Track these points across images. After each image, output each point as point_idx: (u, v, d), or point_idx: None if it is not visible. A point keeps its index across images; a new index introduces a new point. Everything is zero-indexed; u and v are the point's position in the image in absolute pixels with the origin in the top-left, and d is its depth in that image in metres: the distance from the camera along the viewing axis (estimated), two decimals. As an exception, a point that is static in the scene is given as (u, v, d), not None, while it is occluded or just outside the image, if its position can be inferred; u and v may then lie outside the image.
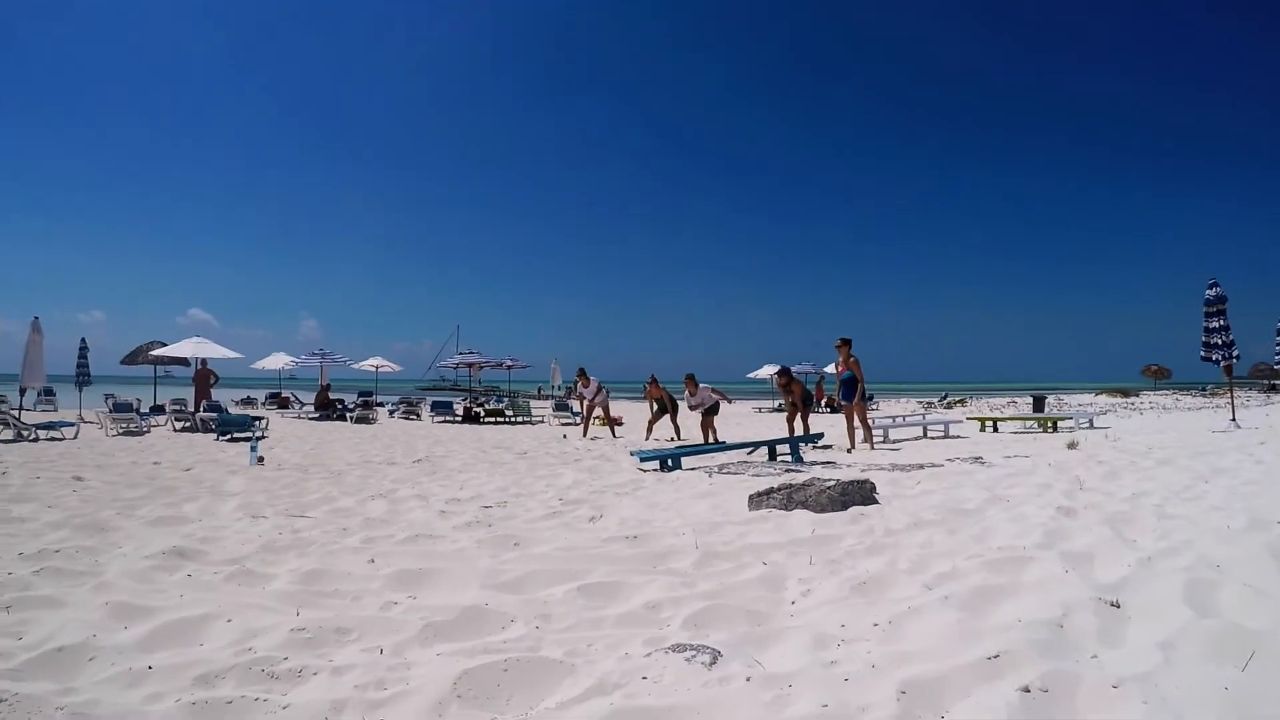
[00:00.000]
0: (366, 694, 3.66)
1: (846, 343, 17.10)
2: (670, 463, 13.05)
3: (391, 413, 36.19)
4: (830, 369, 45.07)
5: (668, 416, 22.45)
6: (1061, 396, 59.33)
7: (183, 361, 33.71)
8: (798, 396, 18.97)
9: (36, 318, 23.77)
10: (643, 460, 13.60)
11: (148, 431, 22.85)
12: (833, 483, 8.40)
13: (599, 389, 23.16)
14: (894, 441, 19.26)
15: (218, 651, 4.21)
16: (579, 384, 23.72)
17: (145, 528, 7.84)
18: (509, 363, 38.10)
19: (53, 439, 19.53)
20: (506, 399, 37.66)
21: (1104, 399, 53.42)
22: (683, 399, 22.21)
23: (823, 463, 13.58)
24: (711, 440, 19.40)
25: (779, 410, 38.63)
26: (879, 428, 19.82)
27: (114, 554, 6.58)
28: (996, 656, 3.63)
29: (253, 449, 14.78)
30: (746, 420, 32.60)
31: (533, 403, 38.15)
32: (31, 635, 4.49)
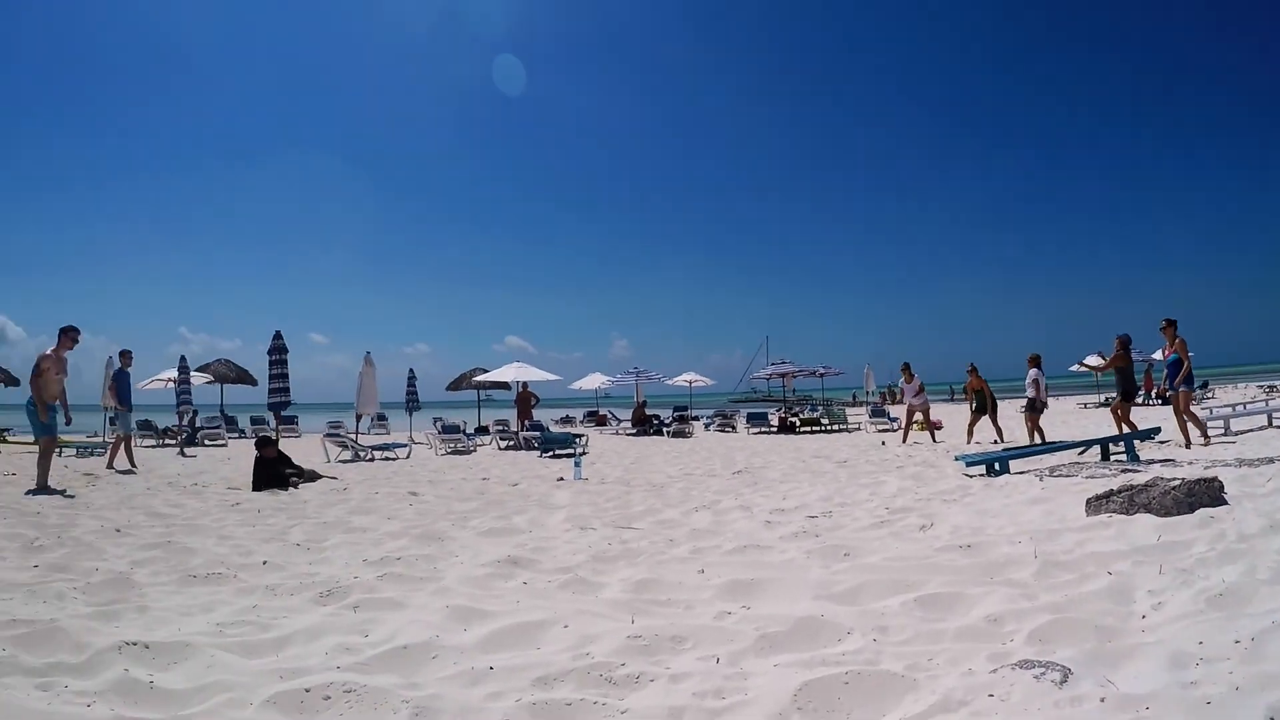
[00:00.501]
0: (705, 702, 3.60)
1: (1172, 324, 15.65)
2: (997, 466, 12.50)
3: (707, 426, 36.69)
4: (1158, 355, 42.05)
5: (987, 417, 21.46)
6: None
7: (504, 385, 35.57)
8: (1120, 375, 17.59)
9: (369, 352, 25.88)
10: (968, 465, 13.03)
11: (474, 451, 24.30)
12: (1177, 482, 7.68)
13: (920, 389, 22.34)
14: (1235, 433, 17.73)
15: (556, 655, 4.29)
16: (902, 379, 22.99)
17: (478, 538, 8.26)
18: (821, 371, 37.79)
19: (387, 459, 21.12)
20: (821, 407, 37.30)
21: None
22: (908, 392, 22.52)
23: (1161, 460, 12.53)
24: (1038, 440, 18.38)
25: (1104, 405, 36.25)
26: (1217, 418, 18.46)
27: (451, 561, 6.96)
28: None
29: (576, 464, 15.31)
30: (1072, 418, 30.70)
31: (848, 410, 37.54)
32: (377, 633, 4.78)
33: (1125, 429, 16.69)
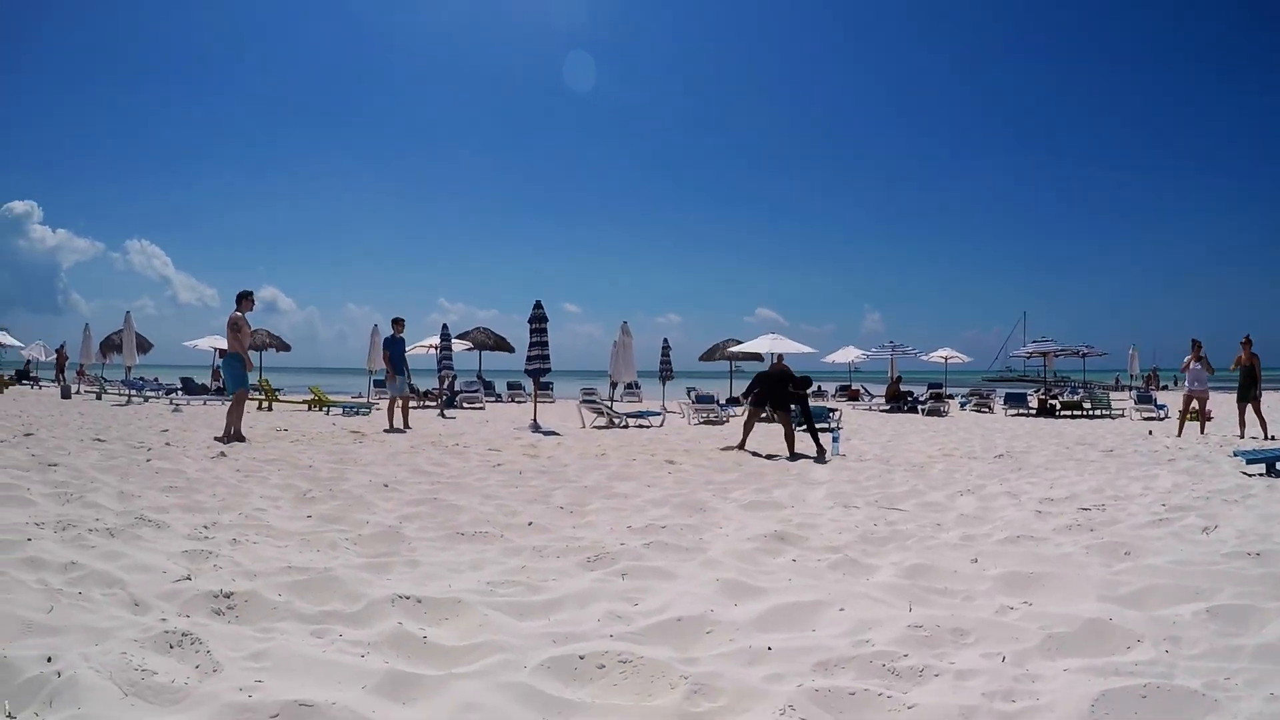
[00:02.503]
0: (994, 704, 3.37)
1: None
2: None
3: (963, 405, 35.61)
4: None
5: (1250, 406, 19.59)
6: None
7: (757, 357, 35.46)
8: None
9: (625, 322, 26.23)
10: (1248, 462, 11.99)
11: (727, 421, 24.26)
12: None
13: (1208, 372, 20.44)
14: None
15: (834, 640, 4.12)
16: (1190, 360, 20.88)
17: (741, 510, 8.16)
18: (1084, 350, 36.00)
19: (641, 426, 21.40)
20: (1082, 390, 35.45)
21: None
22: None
23: None
24: None
25: None
26: None
27: (716, 533, 6.89)
28: None
29: (835, 439, 15.01)
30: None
31: (1110, 394, 35.53)
32: (647, 603, 4.73)
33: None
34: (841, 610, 4.57)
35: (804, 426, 14.83)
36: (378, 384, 33.15)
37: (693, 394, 27.92)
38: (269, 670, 3.43)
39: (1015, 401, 33.35)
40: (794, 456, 14.01)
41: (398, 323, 19.54)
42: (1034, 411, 31.90)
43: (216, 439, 13.62)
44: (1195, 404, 20.51)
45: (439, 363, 30.22)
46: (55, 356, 46.18)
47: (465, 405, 30.22)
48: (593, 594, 4.83)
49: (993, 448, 16.67)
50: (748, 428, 15.68)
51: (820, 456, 13.85)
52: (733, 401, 30.71)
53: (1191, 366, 20.38)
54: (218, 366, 32.21)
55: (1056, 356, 38.56)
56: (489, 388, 37.65)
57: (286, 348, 38.91)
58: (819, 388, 45.81)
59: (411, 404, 19.45)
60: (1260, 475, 11.33)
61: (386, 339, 19.59)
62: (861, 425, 23.92)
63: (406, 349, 20.66)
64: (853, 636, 4.17)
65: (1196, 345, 20.32)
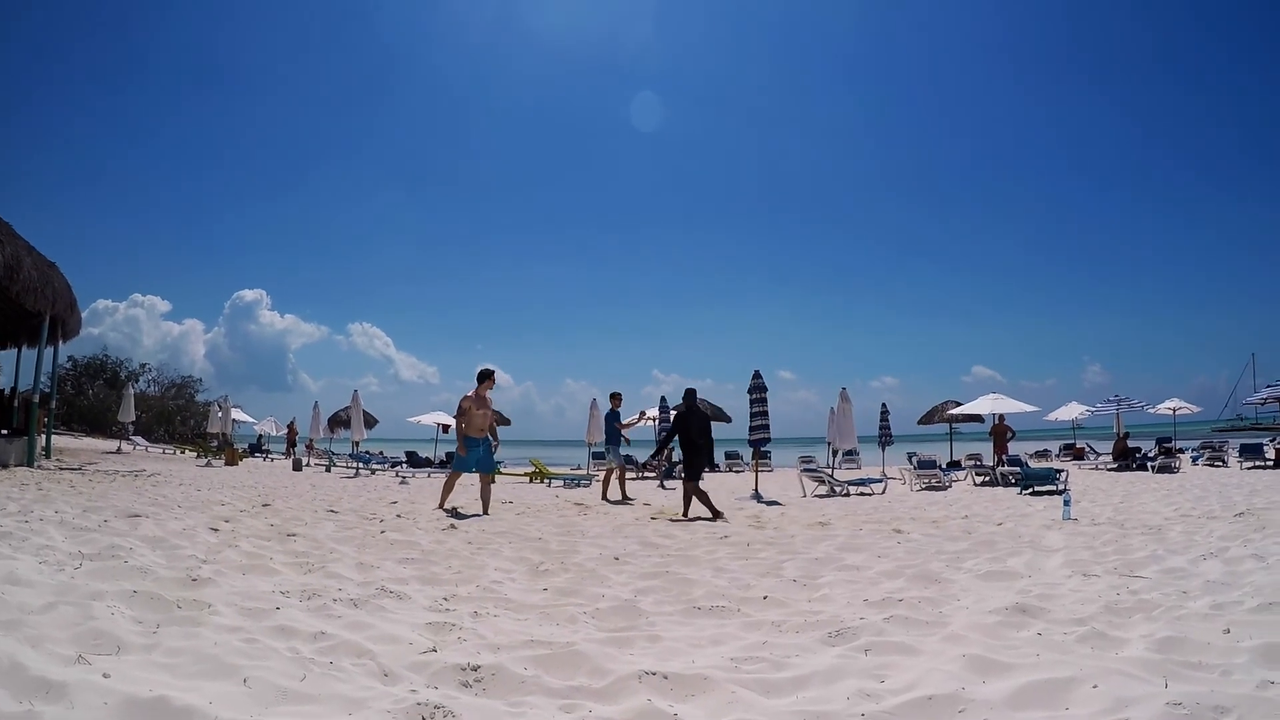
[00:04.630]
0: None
1: None
2: None
3: (1194, 459, 33.76)
4: None
5: None
6: None
7: (977, 418, 34.64)
8: None
9: (844, 388, 26.19)
10: None
11: (949, 486, 23.74)
12: None
13: None
14: None
15: (1091, 718, 4.03)
16: None
17: (977, 581, 8.00)
18: (1324, 392, 33.83)
19: (862, 494, 21.16)
20: (1327, 437, 33.16)
21: None
22: None
23: None
24: None
25: None
26: None
27: (954, 605, 6.78)
28: None
29: (1066, 503, 14.53)
30: None
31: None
32: (895, 680, 4.70)
33: None
34: (1095, 687, 4.44)
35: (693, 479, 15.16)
36: (596, 456, 33.89)
37: (914, 459, 27.43)
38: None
39: (1251, 453, 31.36)
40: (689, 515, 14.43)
41: (615, 397, 20.41)
42: (1272, 463, 29.98)
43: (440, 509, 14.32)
44: None
45: (658, 434, 30.66)
46: (286, 431, 49.06)
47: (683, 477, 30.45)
48: (838, 670, 4.83)
49: (1232, 505, 15.74)
50: (693, 497, 15.33)
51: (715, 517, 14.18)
52: (954, 466, 30.02)
53: None
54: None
55: (1292, 401, 36.39)
56: (706, 459, 37.87)
57: (506, 422, 40.19)
58: (1043, 449, 44.39)
59: (630, 475, 19.88)
60: None
61: (607, 414, 20.35)
62: (1090, 485, 22.95)
63: (623, 421, 21.28)
64: (1110, 715, 4.06)
65: None
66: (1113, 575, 8.14)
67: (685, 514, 14.87)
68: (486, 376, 15.18)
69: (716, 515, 14.47)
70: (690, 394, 16.55)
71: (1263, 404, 39.86)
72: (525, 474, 28.47)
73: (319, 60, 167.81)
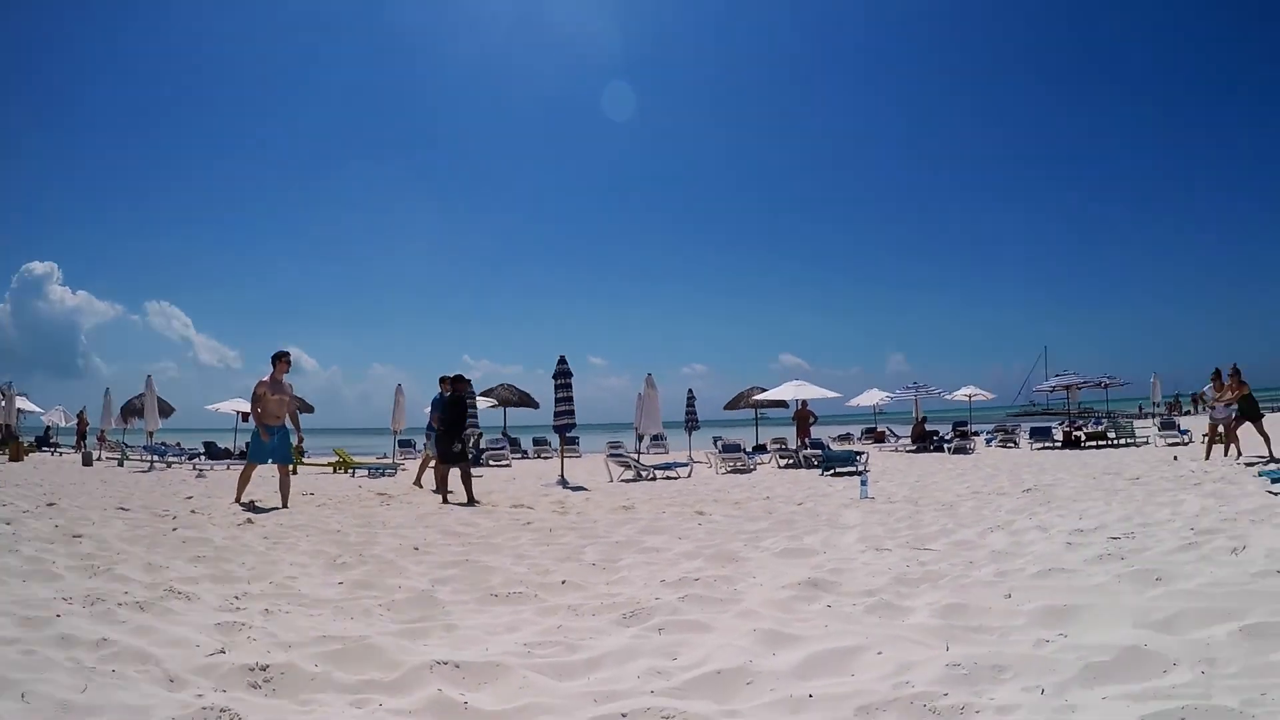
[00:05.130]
0: (1037, 737, 3.39)
1: None
2: None
3: (988, 441, 35.66)
4: None
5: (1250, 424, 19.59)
6: None
7: (781, 404, 35.49)
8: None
9: (650, 374, 26.36)
10: (1273, 481, 11.98)
11: (754, 469, 24.31)
12: None
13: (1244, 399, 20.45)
14: None
15: (874, 683, 4.12)
16: (1210, 388, 20.91)
17: (774, 559, 8.16)
18: (1106, 381, 36.09)
19: (669, 478, 21.52)
20: (1106, 420, 35.39)
21: None
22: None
23: None
24: None
25: None
26: None
27: (750, 583, 6.88)
28: None
29: (863, 483, 14.98)
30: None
31: (1135, 423, 35.45)
32: (687, 657, 4.73)
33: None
34: (880, 654, 4.58)
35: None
36: (402, 444, 33.28)
37: (719, 443, 27.88)
38: (314, 744, 3.44)
39: (1040, 435, 33.34)
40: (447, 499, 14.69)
41: (444, 381, 19.43)
42: (1059, 444, 31.93)
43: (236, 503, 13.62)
44: (1221, 429, 20.47)
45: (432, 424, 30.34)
46: (76, 422, 45.32)
47: (491, 463, 30.23)
48: (631, 651, 4.83)
49: (1020, 482, 16.68)
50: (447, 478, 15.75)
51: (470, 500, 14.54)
52: (759, 449, 30.67)
53: (1210, 392, 20.63)
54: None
55: (1079, 388, 38.57)
56: (514, 444, 37.69)
57: (309, 409, 38.92)
58: (845, 433, 45.88)
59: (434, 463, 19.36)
60: (1287, 493, 11.31)
61: (434, 400, 19.48)
62: (889, 467, 23.87)
63: (425, 408, 20.64)
64: (893, 679, 4.17)
65: (1218, 374, 20.50)
66: (904, 549, 8.46)
67: (443, 497, 14.99)
68: (280, 359, 14.26)
69: (445, 498, 14.76)
70: (444, 381, 17.15)
71: (1052, 391, 42.16)
72: (329, 464, 27.62)
73: (135, 20, 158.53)
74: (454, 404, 15.97)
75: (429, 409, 19.21)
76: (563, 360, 21.44)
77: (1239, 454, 19.95)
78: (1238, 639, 4.55)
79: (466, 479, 15.22)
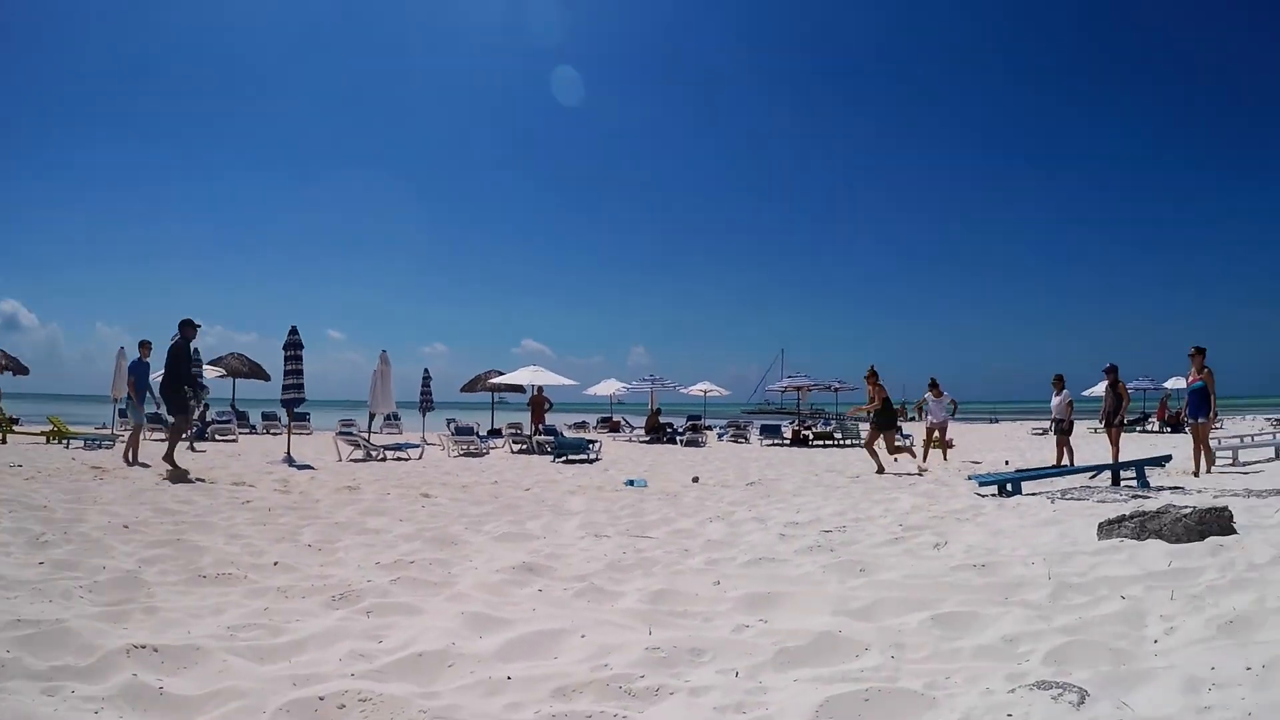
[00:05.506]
0: (725, 717, 3.60)
1: (1201, 352, 15.90)
2: (1009, 487, 12.65)
3: (720, 436, 36.85)
4: (1171, 383, 42.18)
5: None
6: None
7: (519, 388, 35.54)
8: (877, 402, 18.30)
9: (384, 351, 25.77)
10: (981, 484, 13.16)
11: (487, 453, 24.30)
12: (1188, 510, 7.76)
13: (952, 407, 22.03)
14: (1243, 464, 17.78)
15: (574, 666, 4.25)
16: (929, 395, 22.33)
17: (493, 543, 8.23)
18: (836, 385, 37.96)
19: (399, 459, 21.12)
20: (834, 421, 37.35)
21: None
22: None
23: (1170, 488, 12.78)
24: (1066, 462, 18.27)
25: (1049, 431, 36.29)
26: (1226, 448, 18.50)
27: (465, 566, 6.93)
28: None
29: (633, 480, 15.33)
30: (1082, 441, 30.31)
31: (860, 425, 37.50)
32: (391, 640, 4.74)
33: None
34: (583, 637, 4.71)
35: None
36: (123, 414, 31.41)
37: (452, 425, 27.71)
38: (-2, 735, 3.29)
39: (770, 432, 34.86)
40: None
41: (144, 345, 18.25)
42: (788, 442, 33.34)
43: None
44: (937, 433, 21.86)
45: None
46: None
47: (217, 438, 28.95)
48: (336, 633, 4.79)
49: (745, 476, 17.34)
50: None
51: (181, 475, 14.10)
52: (494, 434, 30.68)
53: (931, 400, 21.93)
54: None
55: (810, 390, 40.28)
56: (243, 418, 36.27)
57: (24, 371, 36.10)
58: (581, 420, 46.42)
59: (159, 435, 18.22)
60: (992, 495, 12.26)
61: (133, 363, 18.43)
62: (621, 456, 24.34)
63: (151, 374, 19.30)
64: (592, 661, 4.30)
65: (934, 383, 21.89)
66: (624, 536, 8.69)
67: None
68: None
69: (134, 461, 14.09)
70: (144, 345, 16.45)
71: (784, 391, 43.84)
72: (42, 433, 25.79)
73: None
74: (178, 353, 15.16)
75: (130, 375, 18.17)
76: (294, 331, 20.61)
77: (945, 457, 21.51)
78: (929, 626, 4.91)
79: (175, 435, 14.66)
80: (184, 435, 27.07)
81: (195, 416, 28.17)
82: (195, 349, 29.15)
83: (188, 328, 15.50)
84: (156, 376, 18.30)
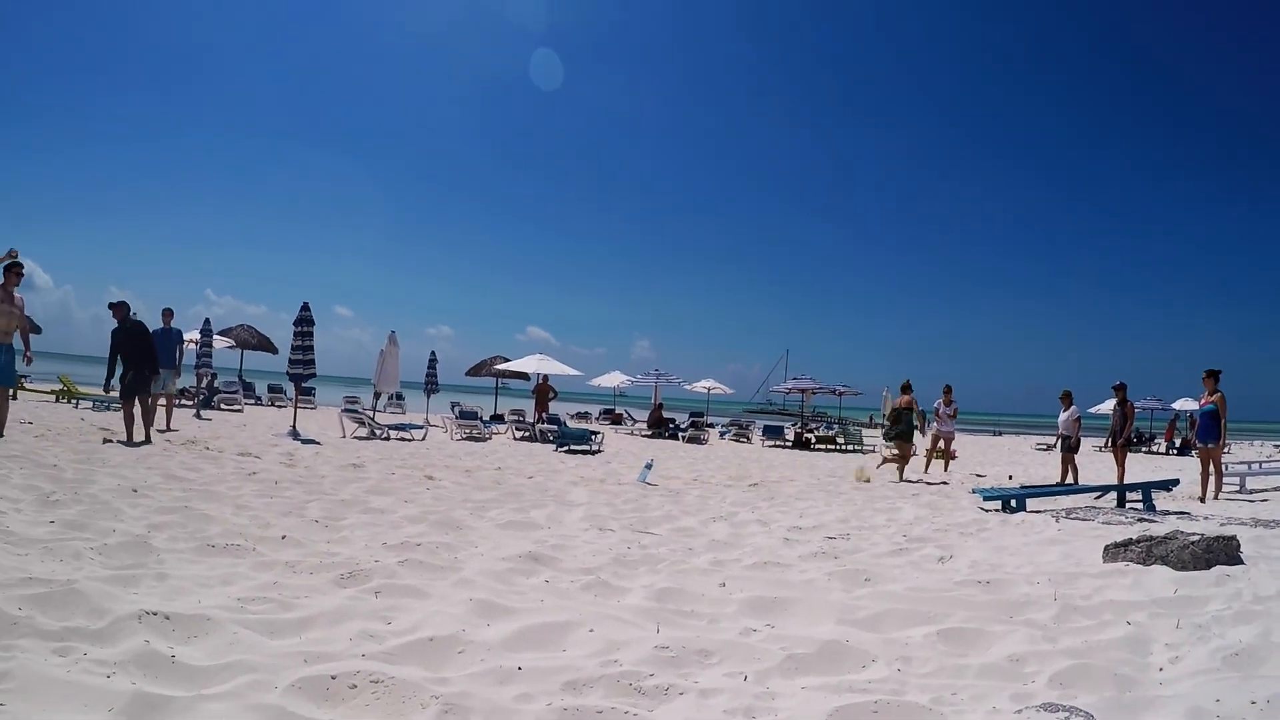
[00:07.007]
0: (735, 721, 3.57)
1: (1214, 375, 15.61)
2: (1014, 504, 12.57)
3: (722, 434, 36.66)
4: (1180, 404, 41.93)
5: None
6: None
7: (523, 376, 35.47)
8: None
9: (393, 331, 25.74)
10: (985, 499, 13.03)
11: (489, 438, 24.28)
12: (1196, 538, 7.70)
13: (954, 415, 21.85)
14: (1250, 491, 17.42)
15: (583, 660, 4.25)
16: (940, 403, 22.05)
17: (497, 530, 8.24)
18: (840, 389, 37.82)
19: (402, 439, 21.10)
20: (837, 426, 37.26)
21: None
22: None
23: (1176, 513, 12.57)
24: (1070, 480, 18.16)
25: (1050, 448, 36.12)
26: (1233, 474, 18.09)
27: (471, 552, 6.93)
28: None
29: (647, 467, 15.29)
30: (1086, 459, 30.15)
31: (864, 431, 37.40)
32: (400, 622, 4.74)
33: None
34: (591, 631, 4.70)
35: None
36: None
37: (456, 409, 27.66)
38: (11, 693, 3.26)
39: (773, 433, 34.65)
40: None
41: (167, 313, 18.22)
42: (790, 444, 33.22)
43: None
44: (941, 443, 21.72)
45: (197, 359, 29.02)
46: None
47: (223, 406, 28.94)
48: (345, 612, 4.79)
49: (748, 476, 17.27)
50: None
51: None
52: (497, 419, 30.67)
53: (941, 410, 21.66)
54: None
55: (814, 393, 40.19)
56: (249, 389, 36.27)
57: (37, 330, 35.99)
58: (583, 411, 46.34)
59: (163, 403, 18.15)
60: (996, 511, 12.22)
61: (156, 332, 18.23)
62: (623, 449, 24.29)
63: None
64: (601, 657, 4.30)
65: (947, 390, 21.63)
66: (627, 531, 8.70)
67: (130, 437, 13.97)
68: (12, 270, 12.55)
69: (130, 439, 13.73)
70: (121, 307, 15.27)
71: (788, 393, 43.68)
72: (52, 391, 25.77)
73: None
74: (131, 333, 14.90)
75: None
76: (305, 307, 20.67)
77: (946, 468, 21.39)
78: (934, 641, 4.91)
79: (146, 413, 14.61)
80: (192, 402, 27.18)
81: (203, 385, 28.28)
82: (207, 320, 29.30)
83: (117, 309, 15.25)
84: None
